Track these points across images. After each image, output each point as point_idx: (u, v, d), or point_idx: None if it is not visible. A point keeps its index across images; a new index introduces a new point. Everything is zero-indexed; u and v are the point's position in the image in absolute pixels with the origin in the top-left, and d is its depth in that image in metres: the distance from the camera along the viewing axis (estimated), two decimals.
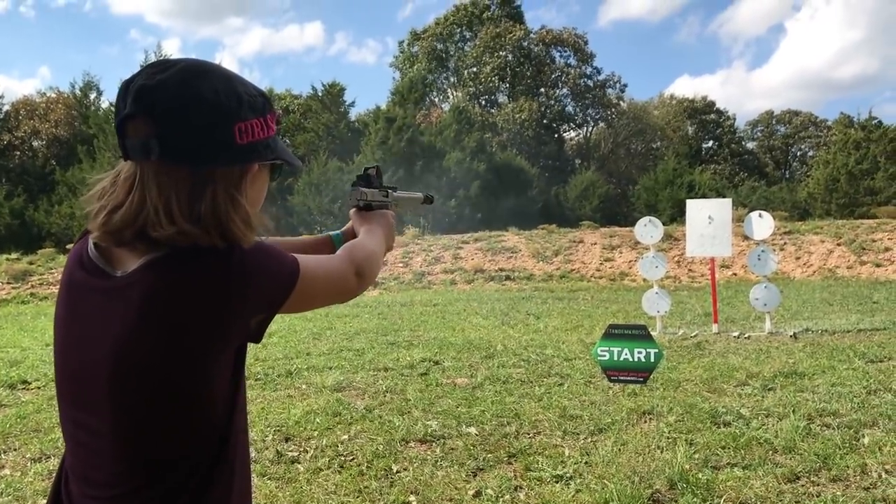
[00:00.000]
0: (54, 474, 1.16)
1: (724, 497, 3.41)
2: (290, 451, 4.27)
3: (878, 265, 16.99)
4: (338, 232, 1.53)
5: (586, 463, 3.92)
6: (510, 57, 47.51)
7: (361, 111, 42.23)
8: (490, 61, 46.96)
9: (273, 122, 1.11)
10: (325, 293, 1.19)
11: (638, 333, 4.84)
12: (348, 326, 10.00)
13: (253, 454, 4.16)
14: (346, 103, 38.31)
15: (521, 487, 3.63)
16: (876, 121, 33.10)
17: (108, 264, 1.04)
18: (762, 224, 8.77)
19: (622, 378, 4.90)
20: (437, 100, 49.47)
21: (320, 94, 37.66)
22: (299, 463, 4.08)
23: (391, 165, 30.64)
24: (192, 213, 0.99)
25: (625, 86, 50.27)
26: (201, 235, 1.00)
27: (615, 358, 4.82)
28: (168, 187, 0.99)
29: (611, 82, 49.83)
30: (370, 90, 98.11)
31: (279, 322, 9.56)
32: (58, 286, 1.15)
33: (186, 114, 0.99)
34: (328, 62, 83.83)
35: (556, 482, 3.66)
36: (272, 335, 8.72)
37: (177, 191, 1.00)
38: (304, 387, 6.02)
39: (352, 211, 1.49)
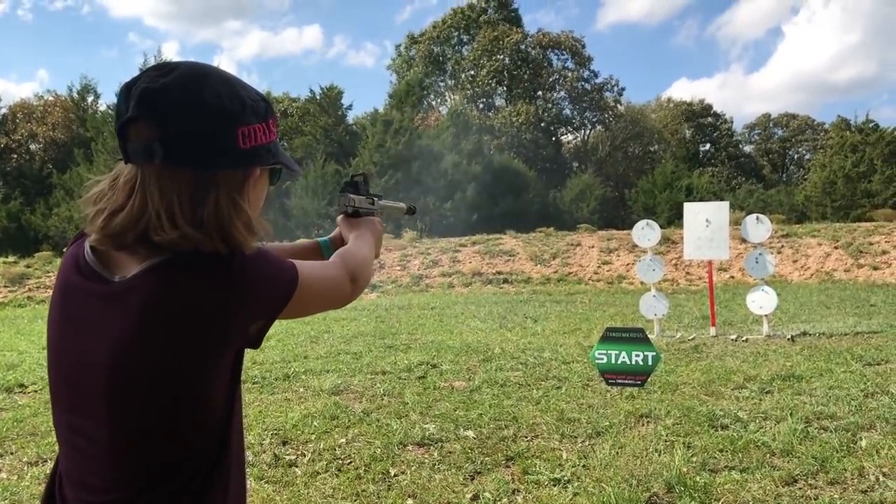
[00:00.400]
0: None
1: (722, 500, 3.40)
2: (288, 454, 4.26)
3: (875, 268, 17.02)
4: (325, 238, 1.54)
5: (584, 466, 3.92)
6: (507, 60, 47.56)
7: (359, 114, 42.26)
8: (487, 64, 47.01)
9: (274, 127, 1.12)
10: (321, 299, 1.20)
11: (635, 336, 4.84)
12: (346, 330, 9.99)
13: (250, 457, 4.16)
14: (344, 106, 38.36)
15: (518, 491, 3.63)
16: (873, 124, 33.11)
17: (105, 269, 1.04)
18: (759, 227, 8.78)
19: (620, 381, 4.91)
20: (434, 103, 49.51)
21: (318, 97, 37.69)
22: (297, 466, 4.07)
23: (389, 168, 30.65)
24: (194, 217, 0.99)
25: (622, 89, 50.33)
26: (203, 240, 0.99)
27: (613, 361, 4.83)
28: (170, 191, 0.99)
29: (608, 85, 49.94)
30: (368, 93, 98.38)
31: (277, 325, 9.53)
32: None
33: (190, 118, 0.99)
34: (326, 65, 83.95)
35: (554, 485, 3.66)
36: (270, 338, 8.71)
37: (179, 195, 0.99)
38: (301, 390, 6.01)
39: (339, 217, 1.51)
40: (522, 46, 48.21)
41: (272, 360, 7.37)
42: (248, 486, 3.63)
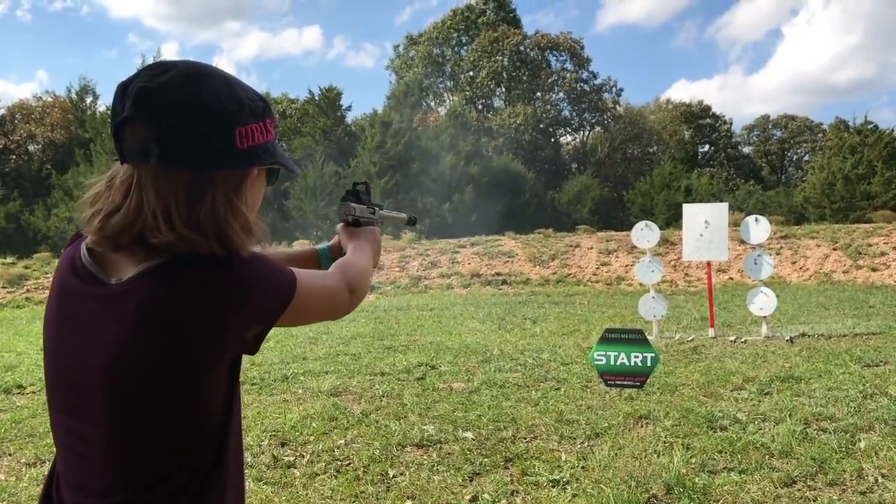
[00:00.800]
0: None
1: (721, 501, 3.41)
2: (287, 455, 4.26)
3: (873, 269, 17.03)
4: (324, 246, 1.53)
5: (583, 467, 3.92)
6: (506, 61, 47.58)
7: (358, 115, 42.22)
8: (486, 66, 47.03)
9: (272, 127, 1.11)
10: (319, 309, 1.19)
11: (634, 338, 4.84)
12: (344, 331, 9.98)
13: (249, 459, 4.15)
14: (343, 107, 38.33)
15: (517, 492, 3.63)
16: (872, 125, 33.15)
17: (102, 271, 1.03)
18: (758, 228, 8.79)
19: (619, 382, 4.90)
20: (433, 104, 49.52)
21: (317, 98, 37.67)
22: (295, 468, 4.07)
23: (388, 170, 30.66)
24: (191, 218, 0.98)
25: (621, 90, 50.38)
26: (201, 241, 0.99)
27: (612, 362, 4.82)
28: (167, 192, 0.98)
29: (607, 87, 49.96)
30: (368, 94, 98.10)
31: (275, 327, 9.53)
32: None
33: (188, 118, 0.98)
34: (326, 66, 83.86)
35: (553, 487, 3.66)
36: (269, 340, 8.68)
37: (176, 195, 0.98)
38: (300, 391, 6.01)
39: (339, 226, 1.50)
40: (521, 48, 48.23)
41: (271, 361, 7.37)
42: (246, 488, 3.62)
